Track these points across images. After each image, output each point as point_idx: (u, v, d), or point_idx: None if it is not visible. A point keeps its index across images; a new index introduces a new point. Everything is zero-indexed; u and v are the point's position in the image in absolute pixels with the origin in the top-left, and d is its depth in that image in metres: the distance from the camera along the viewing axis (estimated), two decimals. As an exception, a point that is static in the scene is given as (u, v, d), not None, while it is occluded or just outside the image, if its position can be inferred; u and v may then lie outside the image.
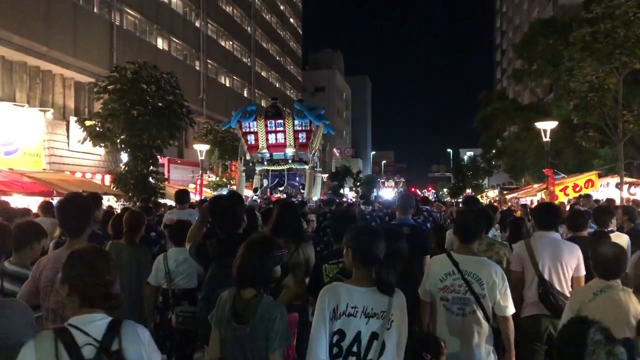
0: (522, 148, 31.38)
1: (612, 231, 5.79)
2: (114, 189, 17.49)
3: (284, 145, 21.41)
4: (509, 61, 65.45)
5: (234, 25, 41.16)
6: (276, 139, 21.57)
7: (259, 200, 17.04)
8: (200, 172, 21.16)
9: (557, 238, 4.43)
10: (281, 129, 21.32)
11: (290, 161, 21.10)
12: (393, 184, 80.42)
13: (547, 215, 4.55)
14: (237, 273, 2.90)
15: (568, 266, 4.22)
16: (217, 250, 3.78)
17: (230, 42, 40.82)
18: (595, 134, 10.42)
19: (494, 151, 41.45)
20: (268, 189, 20.37)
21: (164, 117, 16.44)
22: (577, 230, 5.09)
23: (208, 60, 35.70)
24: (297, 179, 21.50)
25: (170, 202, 15.86)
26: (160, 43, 30.08)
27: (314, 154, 22.63)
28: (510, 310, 3.53)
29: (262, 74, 48.77)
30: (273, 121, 21.23)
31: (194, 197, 21.00)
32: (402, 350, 2.81)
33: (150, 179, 17.01)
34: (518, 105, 36.04)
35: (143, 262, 4.84)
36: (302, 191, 21.15)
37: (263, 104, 48.27)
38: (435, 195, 71.62)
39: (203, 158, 21.64)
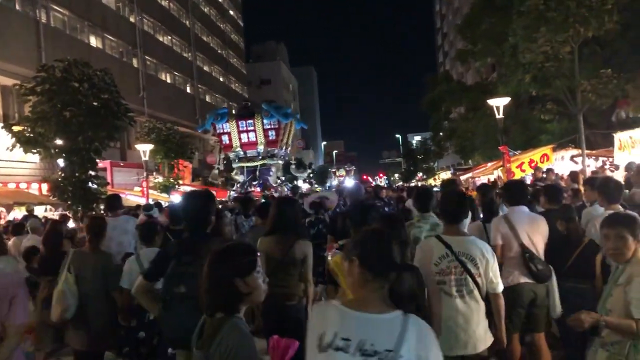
0: (470, 128, 31.59)
1: (584, 206, 5.80)
2: (52, 198, 16.26)
3: (255, 143, 23.51)
4: (450, 44, 66.29)
5: (171, 20, 39.61)
6: (248, 137, 23.70)
7: (236, 195, 18.14)
8: (145, 173, 20.03)
9: (528, 211, 4.70)
10: (252, 128, 23.45)
11: (262, 157, 23.02)
12: (344, 172, 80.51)
13: (517, 191, 4.83)
14: (203, 297, 2.22)
15: (542, 236, 4.50)
16: (177, 249, 3.47)
17: (169, 37, 39.29)
18: (554, 106, 10.19)
19: (441, 134, 41.78)
20: (245, 184, 21.80)
21: (100, 117, 15.35)
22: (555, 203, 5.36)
23: (146, 57, 34.17)
24: (271, 173, 23.47)
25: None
26: (94, 41, 28.45)
27: (286, 149, 24.56)
28: (501, 286, 3.62)
29: (205, 68, 47.32)
30: (244, 121, 23.31)
31: (140, 200, 20.01)
32: None
33: (90, 184, 15.88)
34: (463, 86, 36.31)
35: (109, 269, 4.67)
36: (274, 185, 22.71)
37: (208, 99, 47.03)
38: (387, 182, 72.11)
39: (147, 158, 20.50)
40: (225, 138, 24.07)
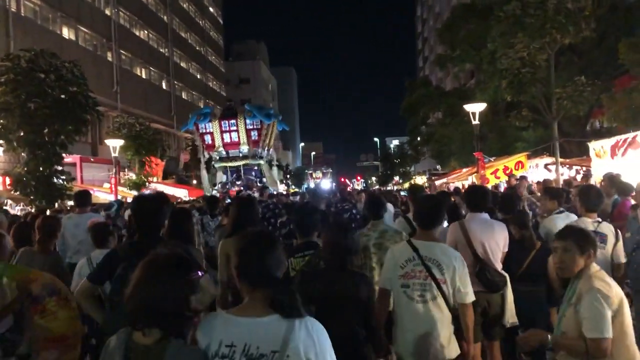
0: (448, 134, 31.65)
1: (562, 211, 5.49)
2: (14, 192, 15.64)
3: (238, 143, 23.66)
4: (430, 49, 66.64)
5: (148, 14, 38.87)
6: (230, 137, 23.79)
7: (218, 194, 17.63)
8: (114, 169, 19.51)
9: (487, 218, 4.60)
10: (235, 128, 23.55)
11: (244, 157, 23.24)
12: (321, 174, 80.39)
13: (478, 197, 4.72)
14: (131, 307, 1.95)
15: (499, 244, 4.41)
16: (128, 251, 3.26)
17: (145, 32, 38.56)
18: (529, 113, 10.09)
19: (419, 138, 41.83)
20: (228, 184, 22.06)
21: (67, 110, 14.79)
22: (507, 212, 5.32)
23: (121, 51, 33.46)
24: (253, 173, 23.65)
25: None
26: (66, 32, 27.70)
27: (268, 149, 24.82)
28: (470, 297, 3.49)
29: (182, 65, 46.61)
30: (227, 122, 23.42)
31: (109, 197, 19.46)
32: None
33: (55, 179, 15.30)
34: (442, 92, 36.41)
35: (58, 270, 4.37)
36: (258, 184, 22.57)
37: (184, 96, 46.36)
38: (364, 185, 72.19)
39: (117, 154, 19.96)
40: (207, 138, 24.22)
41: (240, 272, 2.08)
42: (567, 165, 14.31)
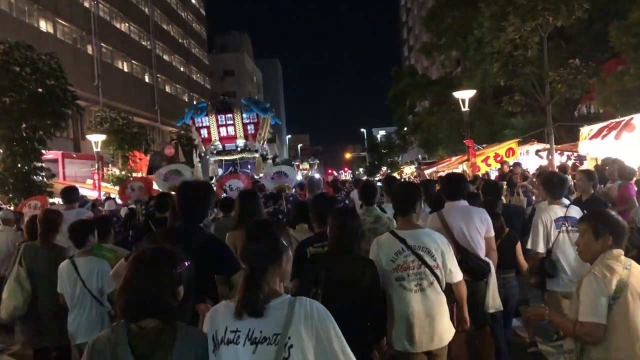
0: (435, 123, 31.45)
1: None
2: (-8, 190, 15.12)
3: (234, 137, 24.26)
4: (415, 38, 66.38)
5: (128, 6, 38.01)
6: (227, 131, 24.40)
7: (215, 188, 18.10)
8: (97, 165, 19.00)
9: (466, 205, 4.52)
10: (231, 122, 24.17)
11: (240, 150, 23.87)
12: (308, 166, 79.95)
13: (454, 185, 4.65)
14: (124, 301, 1.98)
15: (480, 230, 4.35)
16: (165, 236, 3.16)
17: (126, 24, 37.77)
18: (522, 97, 9.83)
19: (405, 128, 41.62)
20: (223, 177, 21.63)
21: (45, 105, 14.30)
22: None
23: (102, 44, 32.72)
24: (249, 166, 24.10)
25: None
26: (44, 25, 26.96)
27: (262, 143, 25.47)
28: (459, 275, 3.58)
29: (165, 57, 45.83)
30: (223, 116, 23.89)
31: (92, 194, 18.97)
32: None
33: (35, 176, 14.82)
34: (428, 80, 36.19)
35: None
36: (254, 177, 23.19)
37: (168, 89, 45.65)
38: (352, 176, 71.99)
39: (99, 149, 19.45)
40: (204, 132, 24.51)
41: (244, 259, 2.14)
42: (559, 151, 14.11)
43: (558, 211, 4.55)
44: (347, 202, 7.93)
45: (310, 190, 5.80)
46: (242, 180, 11.74)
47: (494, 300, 4.31)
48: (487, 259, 4.32)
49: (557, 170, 10.45)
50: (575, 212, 4.54)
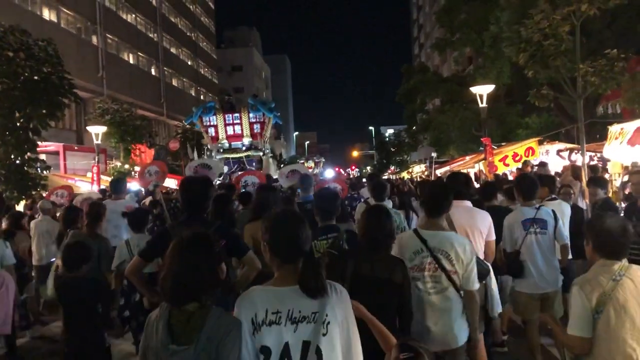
0: (446, 121, 30.68)
1: (555, 198, 5.74)
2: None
3: (241, 136, 25.41)
4: (426, 36, 65.45)
5: (135, -4, 37.37)
6: (234, 130, 25.43)
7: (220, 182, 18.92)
8: (96, 158, 18.31)
9: (470, 206, 4.52)
10: (238, 121, 25.31)
11: (246, 149, 24.91)
12: (313, 164, 79.23)
13: (460, 184, 4.64)
14: (169, 286, 2.16)
15: (482, 232, 4.35)
16: (177, 230, 3.32)
17: (133, 15, 37.11)
18: (550, 91, 9.05)
19: (414, 128, 40.80)
20: (229, 175, 22.80)
21: (40, 93, 13.60)
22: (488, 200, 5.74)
23: (107, 35, 32.07)
24: (254, 164, 25.14)
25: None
26: (47, 13, 26.32)
27: (266, 141, 26.59)
28: (476, 284, 3.51)
29: (172, 50, 45.17)
30: (230, 115, 25.11)
31: (92, 188, 18.31)
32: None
33: (29, 168, 14.12)
34: (440, 78, 35.36)
35: (103, 253, 5.03)
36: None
37: (174, 83, 45.02)
38: (358, 174, 71.21)
39: (99, 142, 18.76)
40: (211, 130, 25.38)
41: (272, 247, 2.26)
42: (580, 151, 13.26)
43: (527, 213, 4.64)
44: (361, 199, 7.93)
45: (305, 189, 5.98)
46: (257, 176, 12.14)
47: (496, 303, 4.29)
48: (486, 262, 4.25)
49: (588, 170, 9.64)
50: (546, 214, 4.64)
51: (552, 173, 10.28)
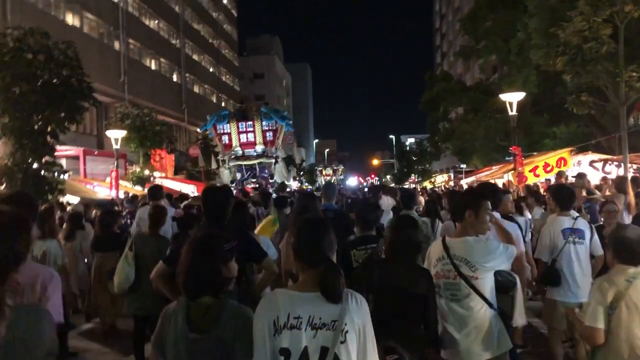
0: (470, 130, 30.00)
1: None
2: (1, 186, 14.29)
3: (254, 143, 26.10)
4: (449, 44, 64.76)
5: (158, 2, 37.37)
6: (247, 138, 26.22)
7: (234, 191, 18.55)
8: (115, 163, 18.13)
9: (499, 217, 4.63)
10: (251, 129, 26.11)
11: (258, 156, 25.51)
12: (331, 172, 78.81)
13: (490, 195, 4.50)
14: (185, 282, 2.36)
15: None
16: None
17: (156, 21, 37.21)
18: (589, 98, 8.51)
19: (436, 138, 40.16)
20: (242, 181, 24.24)
21: (59, 96, 13.42)
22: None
23: (129, 40, 32.14)
24: (266, 171, 25.66)
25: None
26: (70, 18, 26.41)
27: (277, 149, 27.23)
28: (510, 259, 3.58)
29: (194, 57, 45.24)
30: (244, 123, 25.91)
31: (110, 193, 18.13)
32: None
33: (45, 172, 13.93)
34: (463, 86, 34.72)
35: (164, 253, 5.10)
36: (270, 181, 24.79)
37: (196, 89, 45.07)
38: (378, 183, 70.54)
39: (118, 146, 18.59)
40: (225, 138, 26.17)
41: (296, 251, 2.36)
42: (616, 162, 12.63)
43: (566, 222, 4.69)
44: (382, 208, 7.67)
45: (328, 197, 6.05)
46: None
47: (520, 316, 4.14)
48: (513, 273, 4.13)
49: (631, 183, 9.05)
50: (583, 225, 4.73)
51: (592, 185, 9.68)
